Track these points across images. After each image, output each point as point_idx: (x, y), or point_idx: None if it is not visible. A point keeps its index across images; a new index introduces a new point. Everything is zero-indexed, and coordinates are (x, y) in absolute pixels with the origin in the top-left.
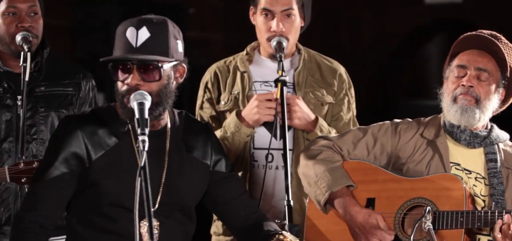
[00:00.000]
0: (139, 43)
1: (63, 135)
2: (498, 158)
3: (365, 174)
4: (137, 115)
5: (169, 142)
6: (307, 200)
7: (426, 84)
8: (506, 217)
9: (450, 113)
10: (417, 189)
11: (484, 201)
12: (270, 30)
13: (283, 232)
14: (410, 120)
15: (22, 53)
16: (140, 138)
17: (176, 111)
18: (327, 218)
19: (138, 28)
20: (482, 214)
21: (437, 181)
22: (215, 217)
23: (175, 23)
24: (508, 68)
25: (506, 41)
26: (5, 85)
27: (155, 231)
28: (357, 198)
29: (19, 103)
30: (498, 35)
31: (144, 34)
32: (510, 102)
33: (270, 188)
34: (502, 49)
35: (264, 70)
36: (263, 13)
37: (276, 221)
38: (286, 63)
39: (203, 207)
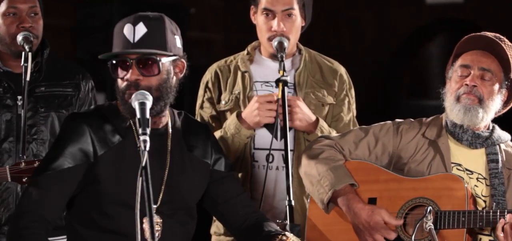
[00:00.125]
0: (136, 38)
1: (71, 130)
2: (500, 159)
3: (367, 174)
4: (138, 115)
5: (171, 141)
6: (308, 200)
7: (427, 84)
8: (508, 216)
9: (453, 112)
10: (418, 189)
11: (485, 201)
12: (271, 30)
13: (286, 232)
14: (411, 120)
15: (23, 53)
16: (142, 138)
17: (175, 112)
18: (328, 218)
19: (135, 24)
20: (484, 213)
21: (439, 181)
22: None
23: (176, 23)
24: (511, 70)
25: (510, 43)
26: (5, 85)
27: (158, 228)
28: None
29: (19, 103)
30: (502, 37)
31: (141, 29)
32: None
33: (270, 188)
34: (506, 50)
35: (265, 70)
36: (264, 12)
37: (277, 221)
38: (287, 63)
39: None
